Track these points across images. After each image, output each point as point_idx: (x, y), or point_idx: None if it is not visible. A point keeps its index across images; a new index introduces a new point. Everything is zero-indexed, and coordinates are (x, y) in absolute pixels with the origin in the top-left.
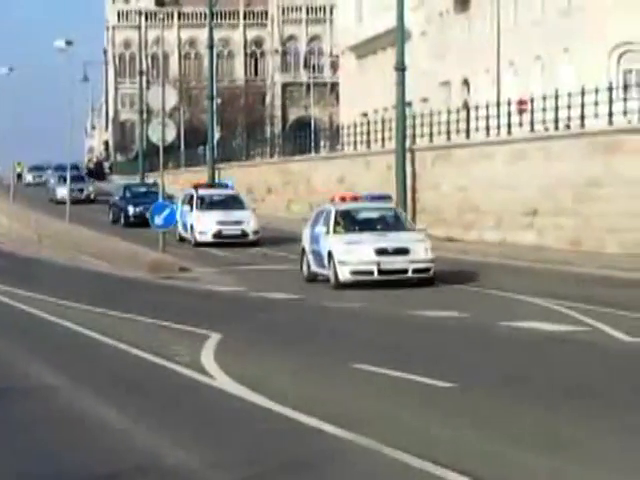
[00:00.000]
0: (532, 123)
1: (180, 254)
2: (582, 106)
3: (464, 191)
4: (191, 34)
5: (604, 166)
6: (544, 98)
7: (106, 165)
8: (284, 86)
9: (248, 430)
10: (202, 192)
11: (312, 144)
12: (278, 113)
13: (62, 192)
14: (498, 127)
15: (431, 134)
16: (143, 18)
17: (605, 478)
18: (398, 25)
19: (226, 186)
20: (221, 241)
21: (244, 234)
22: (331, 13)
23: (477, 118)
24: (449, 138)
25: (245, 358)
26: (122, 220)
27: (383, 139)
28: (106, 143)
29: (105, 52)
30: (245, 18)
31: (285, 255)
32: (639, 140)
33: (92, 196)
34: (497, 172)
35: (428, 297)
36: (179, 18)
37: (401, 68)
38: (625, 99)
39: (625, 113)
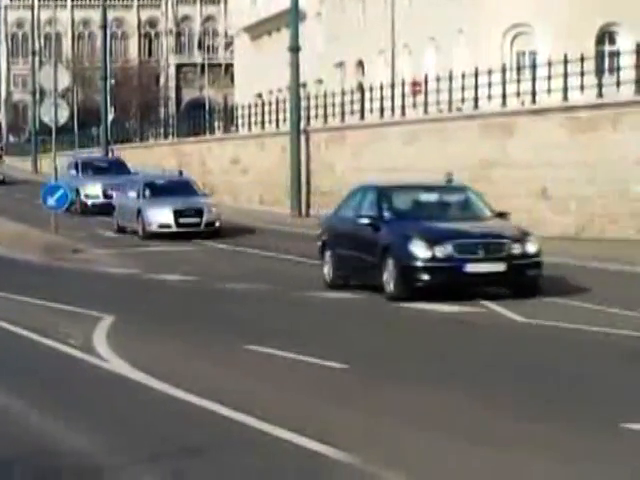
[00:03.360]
0: (426, 105)
1: (73, 236)
2: (476, 88)
3: (358, 172)
4: (84, 14)
5: (498, 148)
6: (438, 79)
7: None
8: (178, 67)
9: (142, 413)
10: None
11: (206, 125)
12: (172, 94)
13: (162, 216)
14: (392, 108)
15: (325, 115)
16: None
17: (491, 455)
18: (292, 6)
19: None
20: None
21: None
22: None
23: (371, 99)
24: (343, 119)
25: (138, 340)
26: None
27: (277, 120)
28: None
29: None
30: None
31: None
32: (532, 122)
33: (217, 224)
34: (391, 153)
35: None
36: None
37: (295, 49)
38: (518, 81)
39: (518, 95)
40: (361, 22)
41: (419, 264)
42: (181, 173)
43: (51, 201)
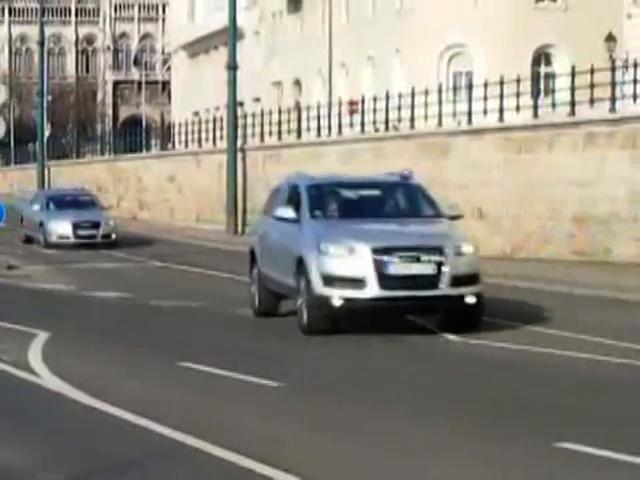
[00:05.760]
0: (363, 124)
1: (9, 252)
2: (412, 107)
3: None
4: (22, 30)
5: (434, 167)
6: (375, 99)
7: None
8: (115, 84)
9: (75, 429)
10: None
11: (143, 142)
12: (109, 111)
13: None
14: (329, 127)
15: (262, 134)
16: None
17: (425, 468)
18: (230, 24)
19: None
20: None
21: None
22: (163, 11)
23: (308, 118)
24: (280, 138)
25: (73, 357)
26: None
27: (214, 138)
28: None
29: None
30: (77, 15)
31: (113, 254)
32: (468, 142)
33: None
34: (328, 172)
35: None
36: (10, 14)
37: (233, 67)
38: (455, 101)
39: (455, 115)
40: (299, 41)
41: None
42: None
43: None
